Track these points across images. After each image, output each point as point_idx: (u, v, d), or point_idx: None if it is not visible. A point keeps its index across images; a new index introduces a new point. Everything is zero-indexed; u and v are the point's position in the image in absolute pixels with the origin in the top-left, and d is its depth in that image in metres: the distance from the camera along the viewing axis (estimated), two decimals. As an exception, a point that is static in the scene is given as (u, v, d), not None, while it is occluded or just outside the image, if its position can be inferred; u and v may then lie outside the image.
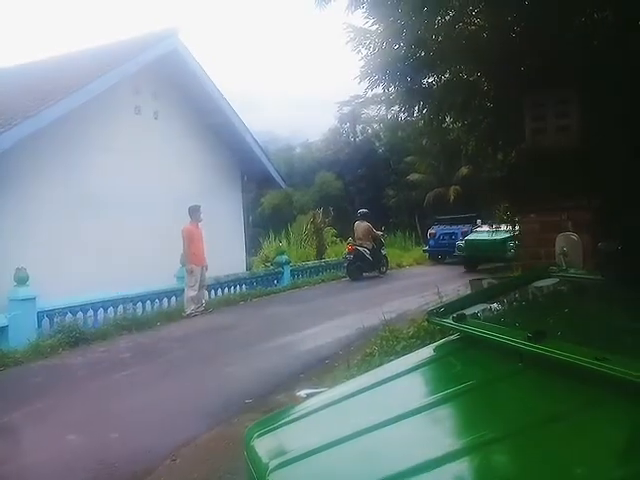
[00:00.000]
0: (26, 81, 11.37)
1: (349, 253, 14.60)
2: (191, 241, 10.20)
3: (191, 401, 5.16)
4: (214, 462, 3.80)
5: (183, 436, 4.29)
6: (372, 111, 31.46)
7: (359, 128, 32.93)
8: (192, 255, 10.16)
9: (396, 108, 7.60)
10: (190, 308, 9.96)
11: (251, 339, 7.71)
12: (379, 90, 6.81)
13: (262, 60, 63.53)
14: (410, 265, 18.60)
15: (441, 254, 19.44)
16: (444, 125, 7.27)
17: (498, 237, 12.86)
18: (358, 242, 14.87)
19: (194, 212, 10.49)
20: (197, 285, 10.13)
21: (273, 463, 1.37)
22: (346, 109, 32.52)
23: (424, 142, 21.33)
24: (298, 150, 33.67)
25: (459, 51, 5.61)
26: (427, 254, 19.98)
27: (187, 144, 12.68)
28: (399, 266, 17.84)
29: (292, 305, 10.82)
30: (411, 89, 6.38)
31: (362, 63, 6.21)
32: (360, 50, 6.27)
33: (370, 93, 7.35)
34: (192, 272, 10.10)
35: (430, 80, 6.48)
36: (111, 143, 10.58)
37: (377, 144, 31.93)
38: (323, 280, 14.61)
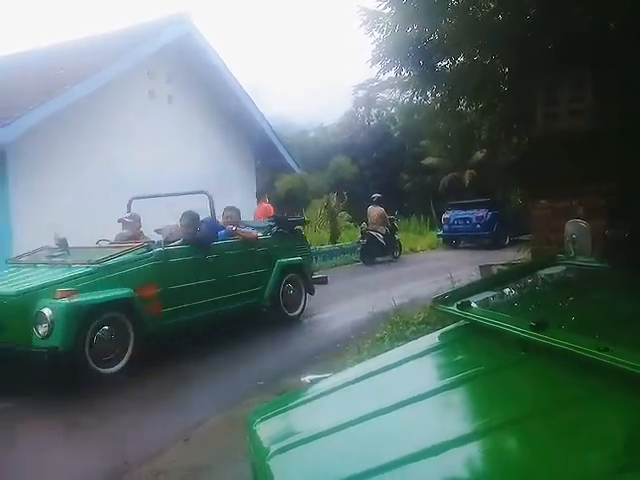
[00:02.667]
0: (42, 66, 11.42)
1: (363, 237, 14.59)
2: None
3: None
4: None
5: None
6: (387, 95, 31.21)
7: (374, 112, 32.66)
8: None
9: (410, 92, 7.54)
10: None
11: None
12: (393, 74, 6.77)
13: (276, 45, 63.07)
14: (424, 250, 18.52)
15: (455, 239, 19.36)
16: (458, 109, 7.21)
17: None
18: (372, 227, 14.84)
19: (262, 195, 12.17)
20: None
21: (273, 448, 1.39)
22: (361, 93, 32.24)
23: (439, 126, 21.17)
24: (313, 134, 33.51)
25: (472, 34, 5.54)
26: (441, 239, 19.90)
27: (201, 128, 12.69)
28: (413, 251, 17.78)
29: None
30: (424, 73, 6.33)
31: (374, 47, 6.18)
32: (373, 33, 6.23)
33: (385, 77, 7.32)
34: None
35: (443, 64, 6.42)
36: (125, 127, 10.63)
37: (392, 128, 31.66)
38: (337, 264, 14.62)
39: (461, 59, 6.19)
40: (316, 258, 14.77)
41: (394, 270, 12.99)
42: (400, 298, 7.24)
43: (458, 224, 18.88)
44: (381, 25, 6.15)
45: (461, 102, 6.94)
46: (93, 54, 10.79)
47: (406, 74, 6.31)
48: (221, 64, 12.63)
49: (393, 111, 32.11)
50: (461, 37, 5.70)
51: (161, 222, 8.12)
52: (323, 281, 8.97)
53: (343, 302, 8.87)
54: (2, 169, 8.71)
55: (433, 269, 11.47)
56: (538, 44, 5.35)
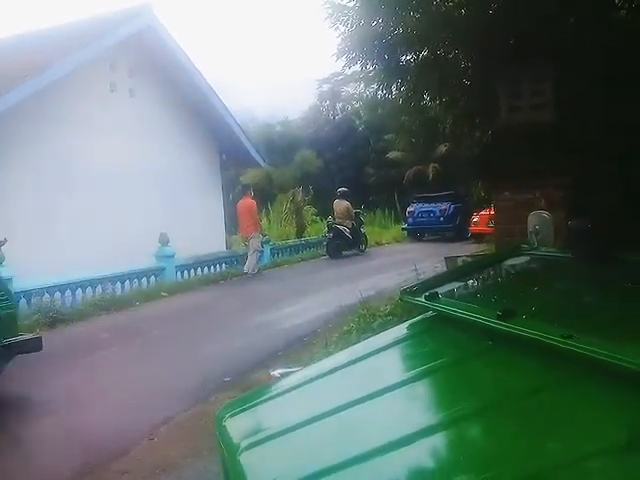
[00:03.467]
0: (3, 56, 11.04)
1: (329, 231, 14.64)
2: (249, 213, 12.11)
3: (168, 380, 5.16)
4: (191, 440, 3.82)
5: (160, 415, 4.30)
6: (352, 89, 31.36)
7: (339, 106, 32.74)
8: (253, 225, 12.11)
9: (375, 86, 7.56)
10: (250, 268, 11.62)
11: (229, 318, 7.72)
12: (358, 68, 6.77)
13: (240, 38, 62.53)
14: (389, 243, 18.69)
15: (419, 232, 19.60)
16: (422, 103, 7.25)
17: None
18: (338, 220, 14.87)
19: (246, 189, 13.01)
20: (259, 248, 12.04)
21: (244, 443, 1.37)
22: (326, 87, 32.26)
23: (403, 120, 21.30)
24: (278, 128, 33.34)
25: (436, 28, 5.58)
26: (406, 232, 20.10)
27: (165, 122, 12.50)
28: (378, 244, 17.92)
29: (272, 283, 10.84)
30: (389, 67, 6.34)
31: (339, 40, 6.15)
32: (338, 27, 6.19)
33: (350, 71, 7.31)
34: (252, 239, 11.87)
35: (408, 58, 6.44)
36: (86, 120, 10.39)
37: (357, 122, 31.77)
38: (303, 259, 14.64)
39: (425, 53, 6.22)
40: (282, 253, 14.77)
41: (360, 263, 13.06)
42: (366, 291, 7.27)
43: (422, 217, 19.11)
44: (346, 19, 6.12)
45: (425, 96, 6.99)
46: (53, 45, 10.51)
47: (371, 68, 6.31)
48: (185, 58, 12.45)
49: (358, 105, 32.23)
50: (425, 31, 5.73)
51: None
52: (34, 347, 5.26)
53: (309, 296, 8.86)
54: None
55: (398, 262, 11.58)
56: (500, 39, 5.43)
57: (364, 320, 5.30)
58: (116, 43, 10.76)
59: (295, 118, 33.50)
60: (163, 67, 12.23)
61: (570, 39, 4.56)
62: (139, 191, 11.25)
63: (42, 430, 4.20)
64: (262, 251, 12.51)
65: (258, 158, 15.38)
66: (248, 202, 12.30)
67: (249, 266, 11.73)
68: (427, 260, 10.81)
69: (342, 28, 6.09)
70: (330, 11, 6.14)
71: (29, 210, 9.22)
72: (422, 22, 5.68)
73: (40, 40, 11.57)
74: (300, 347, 5.79)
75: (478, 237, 15.59)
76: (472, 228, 16.79)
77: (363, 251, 15.39)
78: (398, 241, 19.33)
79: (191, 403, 4.54)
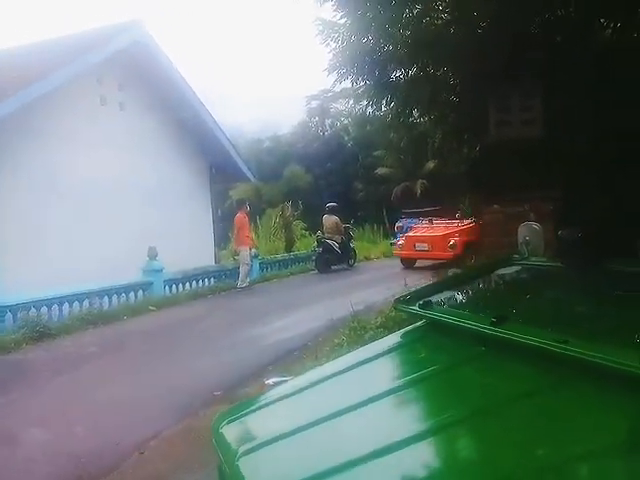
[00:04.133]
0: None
1: (318, 246, 14.66)
2: (241, 227, 12.47)
3: (156, 393, 5.12)
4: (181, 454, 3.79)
5: (150, 430, 4.26)
6: (341, 105, 31.62)
7: (328, 122, 32.97)
8: (243, 238, 12.41)
9: (364, 102, 7.63)
10: (240, 282, 11.85)
11: (218, 333, 7.68)
12: (347, 84, 6.83)
13: (230, 54, 62.95)
14: (378, 258, 18.72)
15: (408, 247, 19.65)
16: (411, 119, 7.33)
17: None
18: (327, 235, 14.90)
19: (240, 204, 13.37)
20: (249, 263, 12.29)
21: (242, 449, 1.38)
22: (315, 103, 32.50)
23: (392, 136, 21.51)
24: (267, 144, 33.47)
25: (425, 45, 5.66)
26: (394, 247, 20.14)
27: (154, 136, 12.51)
28: (367, 259, 17.95)
29: (261, 297, 10.82)
30: (379, 83, 6.41)
31: (331, 56, 6.22)
32: (329, 43, 6.26)
33: (339, 87, 7.39)
34: (240, 252, 12.24)
35: (398, 74, 6.52)
36: (76, 134, 10.37)
37: (346, 138, 31.98)
38: (292, 273, 14.62)
39: (414, 70, 6.30)
40: (271, 267, 14.76)
41: (349, 278, 13.07)
42: (356, 305, 7.28)
43: (411, 232, 19.16)
44: (337, 35, 6.20)
45: (415, 112, 7.06)
46: (43, 58, 10.50)
47: (362, 84, 6.38)
48: (175, 72, 12.50)
49: (347, 122, 32.48)
50: (414, 48, 5.82)
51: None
52: None
53: (299, 310, 8.85)
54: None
55: (387, 276, 11.61)
56: (489, 57, 5.52)
57: (355, 333, 5.30)
58: (105, 57, 10.78)
59: (284, 133, 33.69)
60: (153, 81, 12.27)
61: (557, 57, 4.65)
62: (128, 205, 11.21)
63: (31, 442, 4.14)
64: (250, 265, 12.58)
65: (248, 173, 15.41)
66: (239, 216, 12.51)
67: (240, 279, 11.92)
68: (416, 275, 10.87)
69: (333, 44, 6.16)
70: (321, 28, 6.22)
71: (17, 224, 9.15)
72: (412, 39, 5.77)
73: (30, 53, 11.56)
74: (290, 361, 5.77)
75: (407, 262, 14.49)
76: (396, 252, 15.45)
77: (352, 266, 15.41)
78: (387, 256, 19.32)
79: (181, 417, 4.50)
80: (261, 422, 1.61)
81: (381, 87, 6.43)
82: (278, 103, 47.66)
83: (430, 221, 16.09)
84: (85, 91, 10.84)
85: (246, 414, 1.64)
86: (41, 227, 9.54)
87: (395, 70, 6.36)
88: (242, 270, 12.03)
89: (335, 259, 14.77)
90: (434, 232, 14.66)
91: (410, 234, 15.21)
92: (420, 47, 5.71)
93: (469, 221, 13.44)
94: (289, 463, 1.34)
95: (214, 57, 61.62)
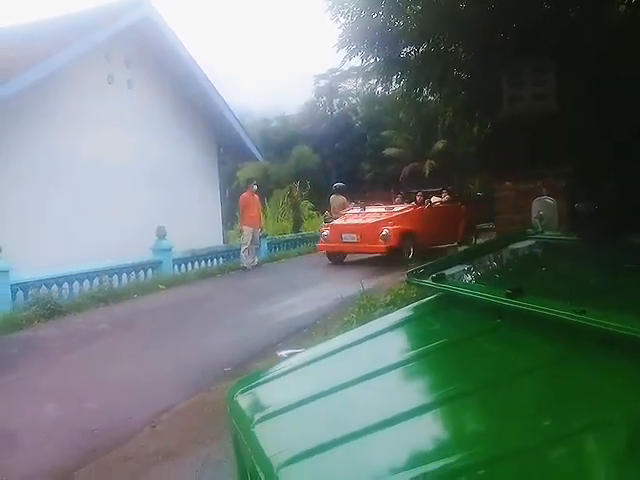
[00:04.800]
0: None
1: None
2: (245, 207, 12.27)
3: (167, 369, 5.17)
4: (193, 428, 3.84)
5: (162, 404, 4.31)
6: (349, 85, 31.34)
7: (336, 102, 32.69)
8: (246, 218, 12.18)
9: (373, 81, 7.57)
10: (246, 262, 11.81)
11: (227, 311, 7.72)
12: (356, 63, 6.80)
13: (237, 33, 62.32)
14: (386, 238, 18.68)
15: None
16: (421, 97, 7.28)
17: None
18: (334, 215, 14.87)
19: (248, 183, 13.14)
20: (249, 243, 11.95)
21: (257, 416, 1.39)
22: (323, 82, 32.21)
23: (400, 116, 21.32)
24: (274, 124, 33.29)
25: (437, 21, 5.59)
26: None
27: (162, 114, 12.47)
28: (375, 239, 17.91)
29: (270, 277, 10.85)
30: (389, 59, 6.36)
31: (340, 32, 6.17)
32: (338, 19, 6.22)
33: (347, 66, 7.35)
34: (243, 232, 12.12)
35: (408, 50, 6.46)
36: (84, 113, 10.35)
37: (354, 118, 31.74)
38: (300, 253, 14.66)
39: (426, 46, 6.23)
40: (279, 247, 14.78)
41: (357, 256, 13.06)
42: (367, 282, 7.30)
43: (419, 213, 19.09)
44: (346, 11, 6.14)
45: (425, 90, 7.00)
46: (50, 37, 10.44)
47: (372, 60, 6.33)
48: (183, 50, 12.42)
49: (355, 102, 32.21)
50: (426, 25, 5.75)
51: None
52: None
53: (308, 289, 8.88)
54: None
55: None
56: (501, 32, 5.44)
57: (364, 310, 5.31)
58: (113, 34, 10.72)
59: (292, 114, 33.46)
60: (161, 59, 12.19)
61: (570, 32, 4.57)
62: (137, 184, 11.22)
63: (44, 416, 4.20)
64: (257, 245, 12.56)
65: (256, 152, 15.36)
66: (244, 196, 12.50)
67: (242, 259, 11.94)
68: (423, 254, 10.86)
69: (343, 20, 6.11)
70: (331, 3, 6.15)
71: (26, 203, 9.19)
72: (423, 15, 5.70)
73: (36, 32, 11.49)
74: (300, 338, 5.80)
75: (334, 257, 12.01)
76: (321, 244, 12.50)
77: (360, 245, 15.39)
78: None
79: (192, 392, 4.54)
80: (275, 392, 1.62)
81: (391, 64, 6.38)
82: (286, 83, 47.27)
83: (362, 206, 13.36)
84: (92, 69, 10.80)
85: (260, 384, 1.65)
86: (50, 206, 9.57)
87: (406, 46, 6.30)
88: (243, 250, 11.94)
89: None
90: (365, 219, 12.10)
91: (336, 222, 12.63)
92: (432, 23, 5.64)
93: (410, 206, 12.29)
94: (303, 431, 1.35)
95: (221, 36, 61.08)
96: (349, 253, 12.11)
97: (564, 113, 4.06)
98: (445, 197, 13.41)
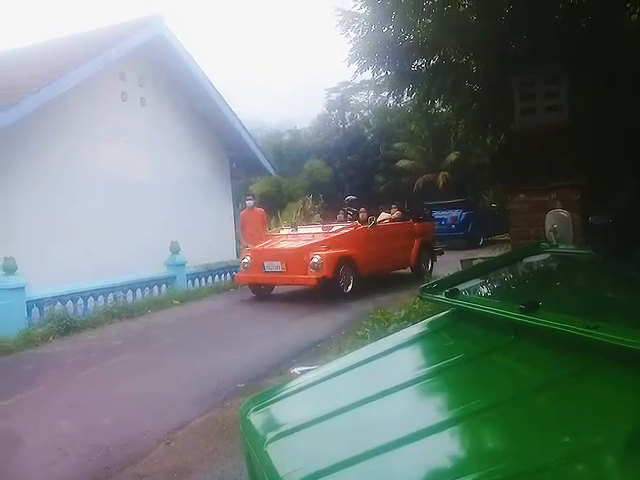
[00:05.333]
0: (9, 69, 11.19)
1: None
2: (243, 225, 12.09)
3: (183, 385, 5.17)
4: (208, 445, 3.82)
5: (176, 421, 4.30)
6: (361, 97, 31.52)
7: (348, 115, 32.83)
8: (245, 235, 11.98)
9: (385, 94, 7.58)
10: None
11: (240, 326, 7.73)
12: (368, 76, 6.80)
13: (248, 48, 63.01)
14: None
15: (430, 240, 19.52)
16: (433, 110, 7.27)
17: None
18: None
19: (245, 199, 12.82)
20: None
21: (270, 435, 1.39)
22: (334, 96, 32.41)
23: (413, 128, 21.36)
24: (286, 137, 33.52)
25: (447, 34, 5.60)
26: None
27: (175, 131, 12.60)
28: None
29: (287, 288, 10.82)
30: (400, 73, 6.36)
31: (351, 47, 6.19)
32: (349, 34, 6.23)
33: (358, 79, 7.38)
34: (242, 249, 11.87)
35: (419, 64, 6.47)
36: (98, 130, 10.48)
37: (366, 131, 31.87)
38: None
39: (436, 59, 6.24)
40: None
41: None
42: (379, 296, 7.29)
43: (433, 225, 19.02)
44: (357, 25, 6.16)
45: (436, 102, 7.00)
46: (63, 56, 10.62)
47: (382, 74, 6.34)
48: (195, 66, 12.56)
49: (367, 114, 32.34)
50: (436, 37, 5.76)
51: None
52: None
53: (322, 302, 8.85)
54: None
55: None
56: (512, 43, 5.44)
57: (378, 325, 5.29)
58: (126, 53, 10.87)
59: (304, 127, 33.69)
60: (174, 76, 12.35)
61: (582, 42, 4.56)
62: (150, 199, 11.32)
63: (59, 433, 4.21)
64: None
65: (268, 166, 15.44)
66: (242, 213, 12.40)
67: None
68: (440, 267, 10.80)
69: (353, 35, 6.13)
70: (341, 18, 6.18)
71: (41, 219, 9.29)
72: (434, 28, 5.71)
73: (51, 51, 11.71)
74: (314, 353, 5.78)
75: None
76: (240, 275, 10.35)
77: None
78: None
79: (206, 409, 4.53)
80: (288, 409, 1.61)
81: (402, 77, 6.38)
82: (297, 96, 47.63)
83: (294, 226, 11.40)
84: (107, 87, 10.95)
85: (273, 402, 1.64)
86: (65, 222, 9.67)
87: (416, 59, 6.31)
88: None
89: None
90: (293, 243, 9.84)
91: (258, 247, 10.29)
92: (442, 35, 5.65)
93: (351, 225, 10.13)
94: (317, 450, 1.35)
95: (233, 51, 61.76)
96: (273, 285, 10.04)
97: (577, 124, 4.05)
98: (395, 213, 11.53)
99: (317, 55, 58.82)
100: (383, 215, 11.43)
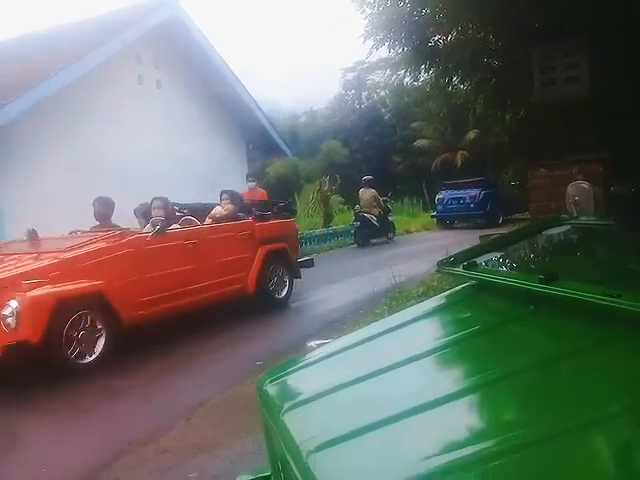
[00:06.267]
0: (26, 53, 11.25)
1: (356, 220, 14.60)
2: None
3: (200, 364, 5.23)
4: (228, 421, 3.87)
5: (196, 398, 4.37)
6: (377, 77, 31.09)
7: (364, 95, 32.53)
8: None
9: (401, 72, 7.49)
10: None
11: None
12: (384, 54, 6.74)
13: (263, 28, 62.56)
14: (418, 231, 18.57)
15: (449, 219, 19.43)
16: (451, 87, 7.18)
17: None
18: (364, 209, 14.83)
19: (246, 180, 11.61)
20: None
21: (287, 404, 1.39)
22: (351, 75, 32.10)
23: (430, 106, 21.10)
24: (303, 119, 33.36)
25: (465, 7, 5.50)
26: (435, 219, 19.93)
27: (191, 113, 12.60)
28: (407, 232, 17.83)
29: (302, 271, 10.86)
30: (417, 49, 6.29)
31: (366, 22, 6.12)
32: (364, 9, 6.16)
33: (375, 57, 7.29)
34: None
35: (436, 39, 6.38)
36: (114, 113, 10.52)
37: (383, 110, 31.60)
38: (331, 247, 14.68)
39: (454, 33, 6.14)
40: (310, 242, 14.81)
41: (389, 251, 13.02)
42: (398, 277, 7.27)
43: (452, 204, 18.91)
44: (372, 0, 6.09)
45: (454, 79, 6.91)
46: (79, 39, 10.64)
47: (399, 50, 6.26)
48: (210, 47, 12.51)
49: (384, 93, 32.02)
50: (453, 11, 5.66)
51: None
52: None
53: (339, 283, 8.87)
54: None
55: (428, 248, 11.48)
56: (531, 16, 5.32)
57: (396, 302, 5.28)
58: (142, 35, 10.86)
59: (320, 108, 33.47)
60: (189, 58, 12.31)
61: (604, 11, 4.43)
62: (166, 182, 11.32)
63: (95, 410, 4.29)
64: None
65: (284, 148, 15.40)
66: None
67: None
68: (458, 246, 10.67)
69: (368, 10, 6.06)
70: (356, -6, 6.11)
71: (60, 203, 9.39)
72: (451, 2, 5.61)
73: (65, 35, 11.74)
74: (331, 332, 5.80)
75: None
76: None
77: (391, 239, 15.33)
78: (427, 229, 19.18)
79: (226, 386, 4.59)
80: (304, 380, 1.62)
81: (419, 53, 6.30)
82: (313, 77, 47.30)
83: (32, 235, 6.77)
84: (123, 70, 10.96)
85: (290, 372, 1.65)
86: (84, 206, 9.76)
87: (434, 35, 6.22)
88: None
89: (374, 232, 14.71)
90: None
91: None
92: (460, 9, 5.55)
93: (113, 235, 6.01)
94: (333, 418, 1.35)
95: (248, 31, 61.36)
96: None
97: (599, 96, 3.95)
98: (227, 207, 7.73)
99: (333, 34, 58.20)
100: (216, 210, 7.78)
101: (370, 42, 6.04)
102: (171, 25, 11.52)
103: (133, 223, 10.19)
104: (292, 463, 1.21)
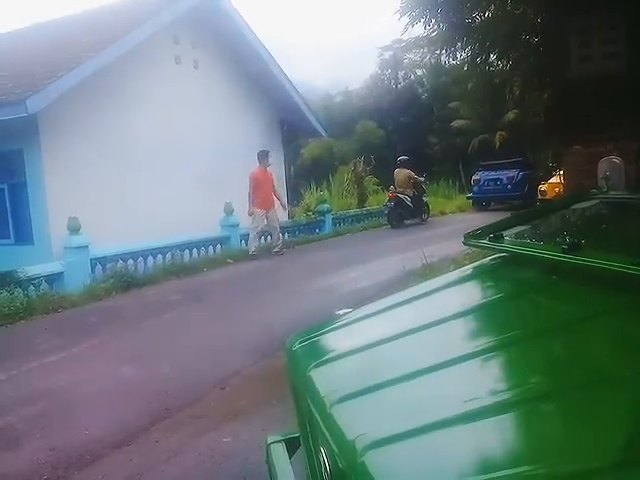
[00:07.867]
0: (65, 35, 11.50)
1: (390, 200, 14.54)
2: (256, 186, 10.52)
3: (236, 337, 5.37)
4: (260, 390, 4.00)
5: (231, 369, 4.51)
6: (415, 55, 30.60)
7: (401, 74, 32.09)
8: (254, 199, 10.51)
9: (438, 50, 7.37)
10: (251, 249, 10.57)
11: (292, 283, 7.89)
12: (421, 32, 6.63)
13: (299, 7, 62.03)
14: (453, 212, 18.39)
15: (485, 200, 19.12)
16: (488, 64, 7.05)
17: None
18: (399, 189, 14.75)
19: (262, 157, 10.84)
20: (259, 228, 10.63)
21: (313, 363, 1.46)
22: (387, 54, 31.66)
23: (468, 86, 20.68)
24: (338, 99, 33.14)
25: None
26: (471, 201, 19.67)
27: (228, 93, 12.70)
28: (442, 213, 17.68)
29: (334, 250, 10.94)
30: (454, 25, 6.18)
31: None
32: (400, -16, 6.08)
33: (412, 35, 7.21)
34: (252, 215, 10.54)
35: (473, 14, 6.26)
36: (153, 94, 10.71)
37: (420, 90, 31.13)
38: (365, 228, 14.68)
39: (492, 9, 6.02)
40: (343, 222, 14.85)
41: (423, 232, 12.96)
42: (429, 257, 7.27)
43: (488, 185, 18.62)
44: (408, -24, 6.01)
45: (492, 56, 6.78)
46: (115, 21, 10.82)
47: (435, 27, 6.17)
48: (246, 27, 12.55)
49: (421, 73, 31.51)
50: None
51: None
52: None
53: (371, 262, 8.91)
54: (35, 135, 8.90)
55: (462, 230, 11.25)
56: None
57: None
58: (179, 15, 10.98)
59: (356, 88, 33.19)
60: (226, 38, 12.38)
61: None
62: (204, 162, 11.53)
63: (122, 378, 4.49)
64: (258, 231, 10.74)
65: (320, 129, 15.39)
66: (256, 172, 10.69)
67: (250, 245, 10.66)
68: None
69: (404, -15, 5.99)
70: (392, -30, 6.03)
71: (99, 182, 9.65)
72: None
73: (104, 16, 11.94)
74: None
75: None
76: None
77: (425, 220, 15.23)
78: (463, 210, 18.97)
79: (259, 358, 4.71)
80: (331, 342, 1.69)
81: (456, 29, 6.20)
82: (349, 56, 46.81)
83: None
84: (161, 51, 11.11)
85: (317, 335, 1.72)
86: (122, 185, 10.01)
87: (471, 10, 6.11)
88: (251, 235, 10.61)
89: (408, 213, 14.63)
90: None
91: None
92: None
93: None
94: (358, 373, 1.41)
95: (283, 10, 61.02)
96: None
97: (637, 71, 3.85)
98: None
99: (369, 13, 57.37)
100: None
101: (405, 19, 5.97)
102: (207, 6, 11.60)
103: (171, 198, 10.42)
104: (317, 415, 1.29)
